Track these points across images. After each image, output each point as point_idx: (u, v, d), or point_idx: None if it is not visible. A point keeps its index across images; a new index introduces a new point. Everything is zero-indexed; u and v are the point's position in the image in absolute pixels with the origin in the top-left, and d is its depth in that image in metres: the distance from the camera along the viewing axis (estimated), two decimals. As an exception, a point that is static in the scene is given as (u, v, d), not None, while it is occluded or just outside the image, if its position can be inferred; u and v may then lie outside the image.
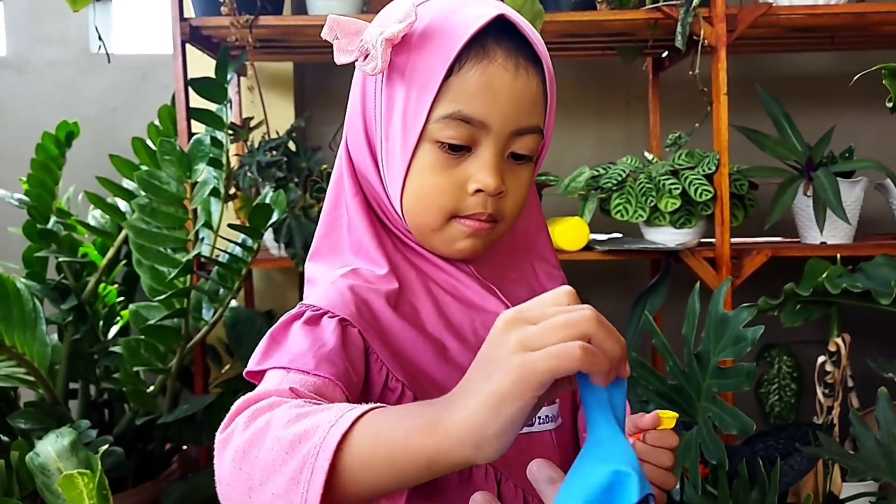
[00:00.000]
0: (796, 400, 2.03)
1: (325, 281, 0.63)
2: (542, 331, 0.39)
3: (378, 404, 0.45)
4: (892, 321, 1.97)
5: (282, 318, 0.59)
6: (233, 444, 0.45)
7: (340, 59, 0.60)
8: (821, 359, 1.70)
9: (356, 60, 0.59)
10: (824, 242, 1.64)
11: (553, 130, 0.65)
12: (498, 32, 0.59)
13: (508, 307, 0.53)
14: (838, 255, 1.54)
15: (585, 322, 0.39)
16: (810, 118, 1.80)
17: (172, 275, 1.15)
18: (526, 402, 0.39)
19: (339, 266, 0.64)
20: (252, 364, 0.56)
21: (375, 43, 0.58)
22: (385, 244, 0.64)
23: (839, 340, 1.66)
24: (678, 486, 0.96)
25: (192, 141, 1.18)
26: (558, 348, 0.38)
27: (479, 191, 0.60)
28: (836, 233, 1.65)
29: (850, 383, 1.73)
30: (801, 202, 1.63)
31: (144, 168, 1.17)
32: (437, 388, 0.59)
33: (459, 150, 0.60)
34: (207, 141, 1.19)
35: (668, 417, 0.60)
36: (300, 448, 0.42)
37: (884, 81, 0.93)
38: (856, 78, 0.93)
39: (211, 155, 1.26)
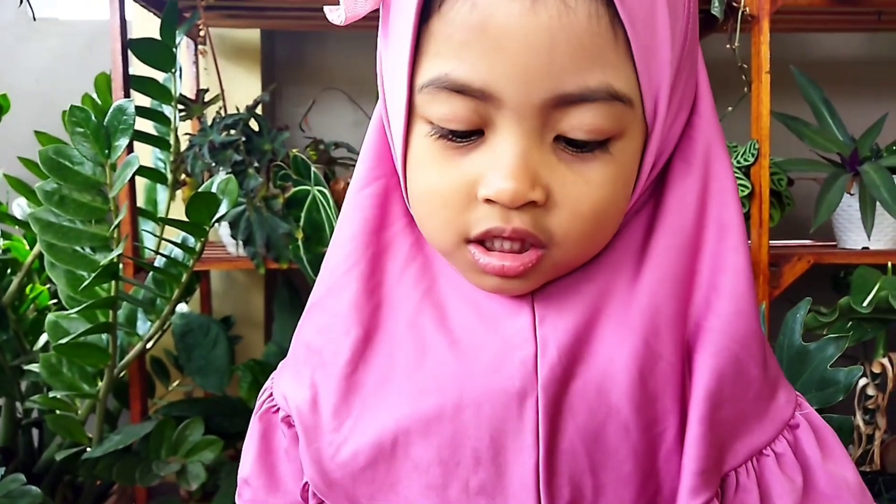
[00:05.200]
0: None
1: (300, 325, 0.48)
2: None
3: None
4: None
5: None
6: None
7: (354, 8, 0.37)
8: (862, 381, 1.50)
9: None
10: (867, 248, 1.43)
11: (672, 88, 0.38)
12: None
13: (537, 357, 0.37)
14: (889, 264, 1.33)
15: None
16: (849, 107, 1.59)
17: (88, 280, 0.90)
18: None
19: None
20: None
21: None
22: (383, 256, 0.45)
23: (885, 361, 1.45)
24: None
25: (111, 108, 0.93)
26: None
27: (491, 200, 0.37)
28: (881, 237, 1.44)
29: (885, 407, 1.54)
30: (842, 201, 1.43)
31: (52, 145, 0.92)
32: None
33: (465, 136, 0.37)
34: (131, 109, 0.93)
35: None
36: None
37: None
38: None
39: (156, 132, 1.01)
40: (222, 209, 1.03)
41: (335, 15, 0.38)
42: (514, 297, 0.41)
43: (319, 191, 1.22)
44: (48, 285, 1.54)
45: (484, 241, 0.39)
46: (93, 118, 0.91)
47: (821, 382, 0.70)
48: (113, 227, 0.94)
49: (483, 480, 0.38)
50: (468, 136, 0.37)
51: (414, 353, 0.41)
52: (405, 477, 0.39)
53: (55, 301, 1.55)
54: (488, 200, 0.37)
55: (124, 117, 0.92)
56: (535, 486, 0.38)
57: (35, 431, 1.53)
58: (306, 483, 0.43)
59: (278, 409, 0.46)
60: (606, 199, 0.38)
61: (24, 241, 1.49)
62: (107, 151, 0.91)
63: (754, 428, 0.40)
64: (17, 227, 1.50)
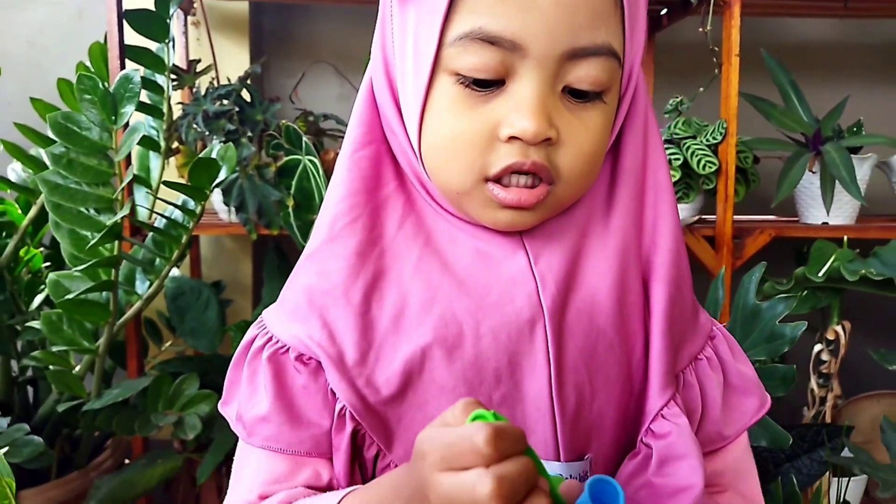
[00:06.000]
0: (779, 387, 1.93)
1: (291, 275, 0.51)
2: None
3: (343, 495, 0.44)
4: (882, 308, 1.89)
5: (241, 342, 0.52)
6: None
7: None
8: (817, 347, 1.60)
9: None
10: (826, 223, 1.52)
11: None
12: None
13: (538, 290, 0.45)
14: (845, 238, 1.42)
15: None
16: (815, 89, 1.67)
17: (94, 240, 0.95)
18: None
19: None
20: (221, 401, 0.53)
21: None
22: (381, 212, 0.49)
23: (839, 328, 1.55)
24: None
25: (118, 77, 0.97)
26: None
27: (515, 137, 0.43)
28: (840, 213, 1.53)
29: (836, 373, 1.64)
30: (804, 178, 1.51)
31: (61, 111, 0.96)
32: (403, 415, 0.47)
33: (488, 86, 0.43)
34: (137, 78, 0.98)
35: None
36: None
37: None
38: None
39: (147, 100, 1.06)
40: (221, 174, 1.08)
41: None
42: (508, 243, 0.47)
43: (310, 160, 1.27)
44: (41, 248, 1.58)
45: (501, 178, 0.44)
46: (100, 85, 0.95)
47: (770, 336, 0.78)
48: (120, 188, 0.99)
49: (504, 394, 0.45)
50: (490, 85, 0.43)
51: (425, 294, 0.46)
52: (432, 398, 0.46)
53: (47, 264, 1.59)
54: (511, 138, 0.43)
55: (130, 85, 0.96)
56: (548, 394, 0.45)
57: (30, 389, 1.58)
58: (344, 407, 0.46)
59: (287, 349, 0.48)
60: (601, 142, 0.46)
61: (17, 206, 1.52)
62: (113, 118, 0.96)
63: (691, 339, 0.50)
64: (8, 191, 1.53)
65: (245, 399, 0.49)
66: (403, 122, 0.49)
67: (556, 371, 0.45)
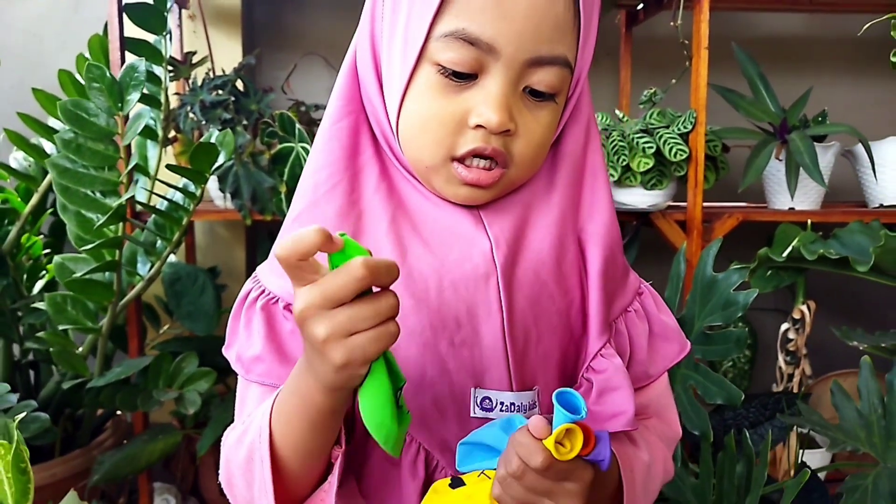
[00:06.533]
0: (750, 367, 2.02)
1: (281, 235, 0.57)
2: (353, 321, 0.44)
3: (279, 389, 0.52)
4: (844, 290, 1.98)
5: (239, 294, 0.59)
6: (223, 480, 0.56)
7: None
8: (784, 326, 1.69)
9: None
10: (792, 208, 1.60)
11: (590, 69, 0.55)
12: None
13: (493, 250, 0.54)
14: (809, 221, 1.50)
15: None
16: (782, 81, 1.75)
17: (101, 221, 1.01)
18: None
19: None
20: (225, 346, 0.60)
21: None
22: (358, 177, 0.56)
23: (804, 308, 1.64)
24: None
25: (124, 66, 1.03)
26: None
27: (480, 126, 0.51)
28: (805, 199, 1.61)
29: (804, 350, 1.73)
30: (772, 166, 1.59)
31: (70, 99, 1.02)
32: None
33: (463, 78, 0.51)
34: (142, 68, 1.04)
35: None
36: (252, 466, 0.52)
37: (892, 33, 0.87)
38: (865, 28, 0.87)
39: (145, 91, 1.12)
40: (219, 159, 1.14)
41: None
42: (467, 212, 0.55)
43: (303, 147, 1.34)
44: (41, 236, 1.63)
45: (464, 159, 0.52)
46: (107, 74, 1.01)
47: (725, 304, 0.86)
48: (126, 171, 1.05)
49: (464, 336, 0.53)
50: (465, 77, 0.51)
51: (396, 251, 0.54)
52: (403, 341, 0.51)
53: (47, 251, 1.64)
54: (478, 126, 0.51)
55: (136, 74, 1.03)
56: (502, 336, 0.53)
57: (31, 373, 1.63)
58: None
59: (277, 299, 0.55)
60: (549, 136, 0.55)
61: (16, 194, 1.57)
62: (120, 104, 1.02)
63: (621, 293, 0.59)
64: (9, 179, 1.58)
65: (243, 342, 0.56)
66: (383, 97, 0.55)
67: (508, 317, 0.53)
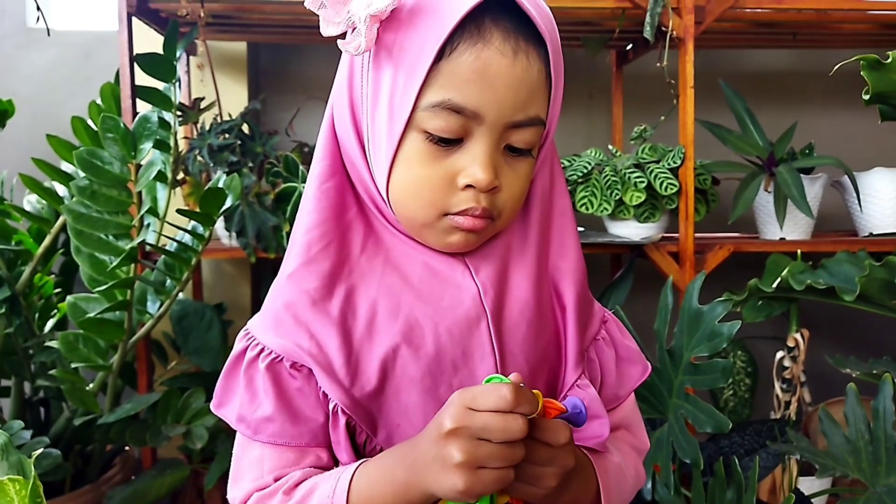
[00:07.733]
0: (751, 395, 2.04)
1: (272, 293, 0.60)
2: (488, 455, 0.49)
3: (357, 466, 0.55)
4: (841, 317, 2.01)
5: (232, 352, 0.60)
6: None
7: (327, 30, 0.54)
8: (779, 354, 1.72)
9: (343, 33, 0.54)
10: (783, 238, 1.65)
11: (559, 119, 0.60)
12: (496, 9, 0.53)
13: (481, 295, 0.58)
14: (799, 251, 1.54)
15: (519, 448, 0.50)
16: (770, 115, 1.81)
17: (114, 263, 1.06)
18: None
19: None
20: (213, 404, 0.60)
21: (360, 18, 0.52)
22: (347, 235, 0.59)
23: (798, 336, 1.67)
24: (649, 485, 0.93)
25: (137, 118, 1.09)
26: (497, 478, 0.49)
27: (470, 186, 0.55)
28: (795, 228, 1.66)
29: (803, 378, 1.75)
30: (762, 198, 1.64)
31: (85, 148, 1.07)
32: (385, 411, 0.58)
33: (450, 143, 0.55)
34: (154, 118, 1.10)
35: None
36: None
37: (862, 73, 0.92)
38: (836, 68, 0.92)
39: (158, 137, 1.17)
40: (227, 202, 1.20)
41: (352, 46, 0.54)
42: (452, 260, 0.59)
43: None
44: (52, 275, 1.68)
45: (459, 214, 0.56)
46: (121, 125, 1.07)
47: (711, 335, 0.90)
48: (139, 215, 1.10)
49: (461, 379, 0.57)
50: (451, 142, 0.55)
51: (390, 303, 0.57)
52: (404, 388, 0.57)
53: (58, 290, 1.69)
54: (468, 186, 0.55)
55: (148, 125, 1.08)
56: None
57: (41, 409, 1.66)
58: (336, 405, 0.56)
59: (281, 358, 0.57)
60: (527, 186, 0.60)
61: (29, 235, 1.63)
62: (133, 153, 1.07)
63: (591, 323, 0.64)
64: (21, 221, 1.63)
65: (246, 403, 0.57)
66: (366, 159, 0.58)
67: (500, 358, 0.57)
